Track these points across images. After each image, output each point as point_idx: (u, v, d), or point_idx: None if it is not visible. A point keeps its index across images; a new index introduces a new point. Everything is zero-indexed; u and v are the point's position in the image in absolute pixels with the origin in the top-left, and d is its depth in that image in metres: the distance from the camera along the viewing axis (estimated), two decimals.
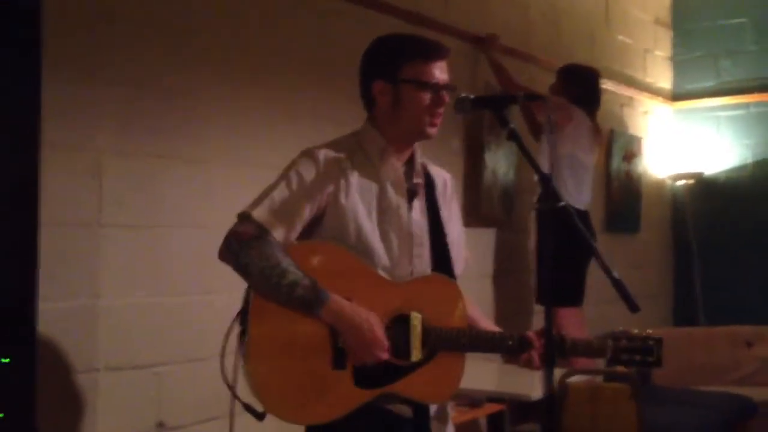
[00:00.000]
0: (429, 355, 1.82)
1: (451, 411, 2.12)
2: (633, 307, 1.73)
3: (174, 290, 2.68)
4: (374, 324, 1.77)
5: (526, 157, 1.83)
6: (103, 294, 2.48)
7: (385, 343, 1.78)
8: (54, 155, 2.33)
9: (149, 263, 2.62)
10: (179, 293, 2.69)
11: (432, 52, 1.87)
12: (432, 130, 1.88)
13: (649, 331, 1.92)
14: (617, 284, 1.73)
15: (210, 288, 2.73)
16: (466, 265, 2.07)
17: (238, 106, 2.92)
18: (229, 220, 2.83)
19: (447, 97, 1.88)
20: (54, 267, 2.31)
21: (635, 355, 1.89)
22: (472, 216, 3.93)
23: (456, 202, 2.07)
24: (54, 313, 2.33)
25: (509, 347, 1.89)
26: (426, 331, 1.81)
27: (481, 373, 3.24)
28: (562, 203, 1.72)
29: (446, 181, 2.04)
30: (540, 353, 1.86)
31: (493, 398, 3.22)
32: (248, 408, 1.78)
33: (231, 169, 2.88)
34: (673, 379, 5.03)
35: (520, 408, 3.78)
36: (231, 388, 1.79)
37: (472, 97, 1.86)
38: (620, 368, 3.18)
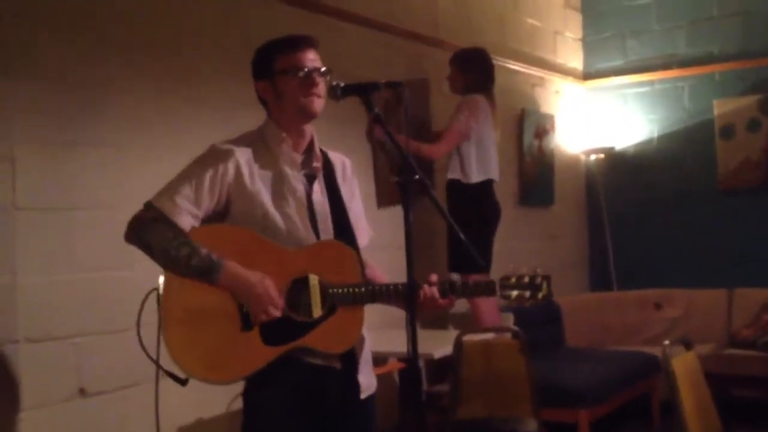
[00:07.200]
0: (329, 310, 2.00)
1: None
2: (479, 266, 2.00)
3: (89, 267, 2.85)
4: (268, 285, 1.96)
5: (390, 137, 2.06)
6: (20, 271, 2.65)
7: (279, 300, 1.97)
8: None
9: (65, 243, 2.79)
10: (94, 270, 2.86)
11: (297, 43, 2.09)
12: (311, 108, 2.08)
13: (539, 269, 2.01)
14: (463, 243, 2.02)
15: (123, 264, 2.90)
16: (369, 238, 2.26)
17: (147, 95, 3.10)
18: (140, 201, 3.00)
19: (317, 78, 2.07)
20: None
21: (524, 292, 2.00)
22: (383, 197, 4.14)
23: (356, 182, 2.26)
24: None
25: (398, 293, 2.04)
26: (324, 290, 2.01)
27: (392, 339, 3.51)
28: (417, 176, 1.96)
29: (344, 163, 2.24)
30: (438, 288, 2.03)
31: (401, 358, 3.49)
32: (171, 375, 1.95)
33: (140, 154, 3.06)
34: (586, 341, 5.30)
35: (434, 369, 4.06)
36: (153, 358, 1.94)
37: (342, 84, 2.06)
38: (511, 326, 3.48)
